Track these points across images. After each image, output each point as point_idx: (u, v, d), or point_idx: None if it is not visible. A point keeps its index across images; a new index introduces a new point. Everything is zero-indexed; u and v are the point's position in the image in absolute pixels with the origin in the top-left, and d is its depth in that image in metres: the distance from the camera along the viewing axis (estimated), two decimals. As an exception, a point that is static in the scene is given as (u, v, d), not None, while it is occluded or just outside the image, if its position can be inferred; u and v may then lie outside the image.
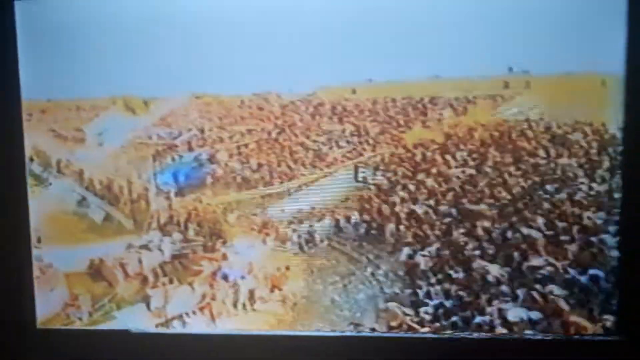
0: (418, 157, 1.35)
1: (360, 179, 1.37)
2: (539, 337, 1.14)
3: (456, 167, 1.33)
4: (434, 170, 1.35)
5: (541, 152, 1.26)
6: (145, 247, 1.37)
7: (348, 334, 1.24)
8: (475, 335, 1.17)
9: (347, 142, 1.39)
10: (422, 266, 1.30)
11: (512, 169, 1.27)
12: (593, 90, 1.25)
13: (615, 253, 1.19)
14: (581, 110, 1.22)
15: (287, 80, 1.37)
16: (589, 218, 1.30)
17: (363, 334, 1.25)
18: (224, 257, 1.38)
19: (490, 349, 1.16)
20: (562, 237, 1.29)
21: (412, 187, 1.36)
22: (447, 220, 1.33)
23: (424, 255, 1.37)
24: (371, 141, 1.37)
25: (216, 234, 1.38)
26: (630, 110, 1.09)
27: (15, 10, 1.28)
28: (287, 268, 1.36)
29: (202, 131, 1.47)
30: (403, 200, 1.36)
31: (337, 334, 1.25)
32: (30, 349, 1.22)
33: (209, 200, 1.40)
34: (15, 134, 1.30)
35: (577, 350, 1.12)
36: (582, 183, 1.30)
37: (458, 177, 1.33)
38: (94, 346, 1.23)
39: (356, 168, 1.38)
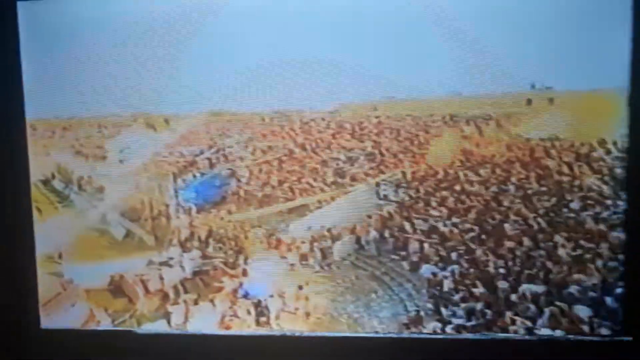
0: (440, 175, 1.33)
1: (381, 196, 1.36)
2: (545, 337, 1.14)
3: (479, 184, 1.31)
4: (457, 187, 1.32)
5: (565, 170, 1.24)
6: (166, 263, 1.37)
7: (349, 334, 1.25)
8: (478, 335, 1.17)
9: (368, 159, 1.37)
10: (446, 285, 1.28)
11: (535, 186, 1.25)
12: (616, 106, 1.24)
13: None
14: (604, 127, 1.20)
15: (308, 97, 1.37)
16: (614, 236, 1.28)
17: (364, 334, 1.26)
18: (245, 273, 1.36)
19: (487, 349, 1.16)
20: (587, 256, 1.27)
21: (434, 204, 1.34)
22: (470, 236, 1.30)
23: (446, 274, 1.35)
24: (392, 158, 1.36)
25: (237, 250, 1.37)
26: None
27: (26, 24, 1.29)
28: (308, 285, 1.34)
29: (223, 148, 1.47)
30: (425, 217, 1.34)
31: (339, 334, 1.26)
32: (33, 349, 1.22)
33: (230, 217, 1.38)
34: (20, 140, 1.32)
35: (582, 351, 1.12)
36: (607, 201, 1.28)
37: (480, 195, 1.29)
38: (98, 346, 1.23)
39: (377, 185, 1.37)
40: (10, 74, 1.28)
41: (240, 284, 1.37)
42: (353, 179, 1.39)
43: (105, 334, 1.24)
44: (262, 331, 1.25)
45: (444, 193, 1.34)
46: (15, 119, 1.30)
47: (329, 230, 1.38)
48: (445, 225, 1.33)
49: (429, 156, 1.33)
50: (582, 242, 1.25)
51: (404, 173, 1.40)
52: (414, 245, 1.36)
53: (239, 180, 1.44)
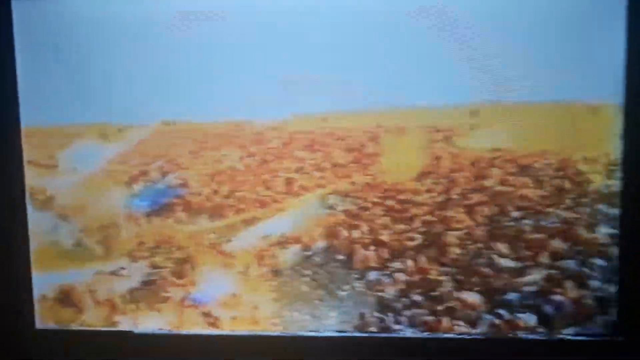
0: (387, 185, 1.33)
1: (329, 206, 1.36)
2: (538, 337, 1.14)
3: (425, 193, 1.31)
4: (402, 197, 1.32)
5: (510, 180, 1.27)
6: (115, 273, 1.36)
7: (342, 334, 1.27)
8: (473, 335, 1.18)
9: (318, 170, 1.37)
10: (390, 292, 1.29)
11: (479, 196, 1.27)
12: (565, 119, 1.27)
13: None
14: (552, 140, 1.23)
15: (260, 107, 1.35)
16: (555, 246, 1.31)
17: (356, 334, 1.28)
18: (193, 283, 1.36)
19: (487, 349, 1.17)
20: (528, 264, 1.30)
21: (380, 213, 1.34)
22: (415, 244, 1.30)
23: (390, 281, 1.36)
24: (342, 169, 1.36)
25: (186, 260, 1.37)
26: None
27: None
28: (256, 293, 1.35)
29: (174, 158, 1.47)
30: (371, 226, 1.33)
31: (331, 334, 1.28)
32: (28, 350, 1.22)
33: (180, 227, 1.39)
34: (15, 138, 1.31)
35: (576, 351, 1.13)
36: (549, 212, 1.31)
37: (426, 204, 1.29)
38: (94, 347, 1.23)
39: (325, 195, 1.36)
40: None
41: (189, 293, 1.37)
42: (303, 189, 1.36)
43: (102, 334, 1.24)
44: (260, 331, 1.26)
45: (390, 202, 1.31)
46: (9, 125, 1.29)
47: (277, 239, 1.37)
48: (390, 234, 1.28)
49: (377, 167, 1.30)
50: (522, 250, 1.23)
51: (352, 183, 1.38)
52: (360, 254, 1.32)
53: (189, 190, 1.44)
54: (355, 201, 1.36)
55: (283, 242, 1.37)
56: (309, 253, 1.36)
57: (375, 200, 1.35)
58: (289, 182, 1.38)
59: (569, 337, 1.14)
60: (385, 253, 1.33)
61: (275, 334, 1.25)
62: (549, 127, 1.20)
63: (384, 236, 1.33)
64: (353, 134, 1.38)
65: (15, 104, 1.29)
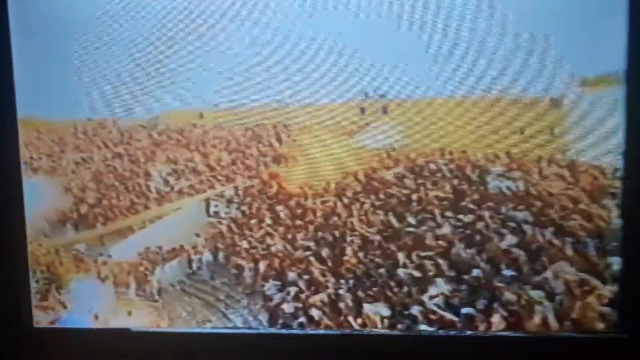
0: (274, 189, 1.25)
1: (212, 213, 1.28)
2: (542, 334, 1.12)
3: (315, 197, 1.24)
4: (291, 203, 1.25)
5: (404, 182, 1.14)
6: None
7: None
8: (478, 332, 1.14)
9: (196, 172, 1.29)
10: (286, 308, 1.24)
11: (372, 199, 1.14)
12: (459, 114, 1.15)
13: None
14: (442, 136, 1.17)
15: (126, 103, 1.27)
16: (454, 253, 1.21)
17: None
18: (64, 305, 1.18)
19: (493, 346, 1.14)
20: (430, 272, 1.20)
21: (269, 221, 1.26)
22: (307, 254, 1.24)
23: (285, 297, 1.24)
24: (224, 171, 1.28)
25: (52, 279, 1.18)
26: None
27: None
28: (131, 315, 1.19)
29: (31, 159, 1.26)
30: (261, 234, 1.26)
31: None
32: (27, 349, 1.19)
33: (42, 241, 1.29)
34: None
35: (580, 348, 1.11)
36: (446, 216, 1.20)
37: (317, 210, 1.24)
38: (93, 346, 1.19)
39: (208, 201, 1.28)
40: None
41: (59, 317, 1.19)
42: (180, 194, 1.29)
43: (101, 333, 1.21)
44: (261, 330, 1.20)
45: (279, 208, 1.25)
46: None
47: (156, 253, 1.29)
48: (281, 242, 1.25)
49: (262, 168, 1.26)
50: (422, 259, 1.21)
51: (236, 188, 1.28)
52: (249, 267, 1.26)
53: (49, 197, 1.24)
54: (241, 207, 1.28)
55: (160, 256, 1.29)
56: (190, 270, 1.29)
57: (263, 206, 1.27)
58: (164, 186, 1.32)
59: (567, 335, 1.12)
60: (277, 264, 1.25)
61: (272, 331, 1.20)
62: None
63: (276, 246, 1.24)
64: (236, 133, 1.29)
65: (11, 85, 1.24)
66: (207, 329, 1.21)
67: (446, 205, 1.21)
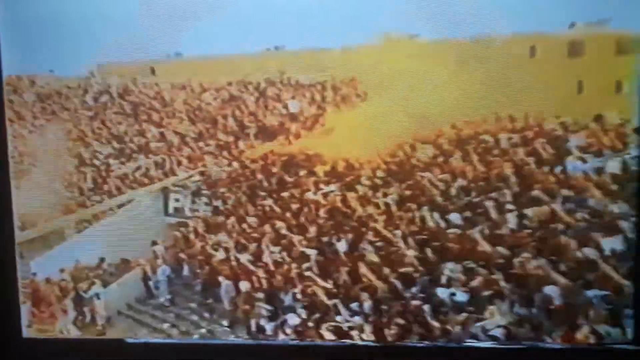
0: (260, 175, 0.99)
1: (172, 211, 1.02)
2: (558, 345, 1.00)
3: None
4: (285, 194, 0.98)
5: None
6: None
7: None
8: (495, 343, 1.00)
9: (149, 151, 1.01)
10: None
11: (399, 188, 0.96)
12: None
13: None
14: None
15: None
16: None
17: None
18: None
19: (509, 357, 1.01)
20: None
21: (254, 220, 0.99)
22: (307, 267, 0.98)
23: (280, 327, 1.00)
24: (187, 150, 1.00)
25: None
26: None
27: None
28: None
29: None
30: (242, 239, 1.00)
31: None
32: (15, 359, 1.15)
33: None
34: None
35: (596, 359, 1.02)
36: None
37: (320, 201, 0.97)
38: (86, 356, 1.12)
39: (166, 193, 1.01)
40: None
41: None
42: (126, 183, 1.03)
43: (94, 343, 1.12)
44: (256, 340, 1.05)
45: (268, 202, 0.99)
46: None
47: (95, 267, 1.03)
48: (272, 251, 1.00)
49: (242, 146, 0.99)
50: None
51: (204, 174, 1.00)
52: (226, 286, 1.01)
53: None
54: (213, 202, 1.01)
55: (102, 273, 1.04)
56: (144, 292, 1.05)
57: (244, 199, 1.00)
58: (100, 173, 1.03)
59: (588, 346, 0.99)
60: (265, 282, 0.99)
61: (271, 342, 1.04)
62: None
63: (264, 255, 0.99)
64: (204, 95, 0.99)
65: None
66: (204, 339, 1.07)
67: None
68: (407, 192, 0.94)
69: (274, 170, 0.97)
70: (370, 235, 0.96)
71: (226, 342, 1.06)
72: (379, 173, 0.95)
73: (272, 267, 0.99)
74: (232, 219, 0.99)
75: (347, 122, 0.95)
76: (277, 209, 0.98)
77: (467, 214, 0.94)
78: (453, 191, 0.94)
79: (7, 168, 1.04)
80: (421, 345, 1.02)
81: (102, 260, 1.02)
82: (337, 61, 0.94)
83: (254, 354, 1.06)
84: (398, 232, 0.95)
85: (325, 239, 0.97)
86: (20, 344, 1.14)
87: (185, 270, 1.01)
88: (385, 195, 0.95)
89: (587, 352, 1.01)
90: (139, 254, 1.02)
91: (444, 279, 0.94)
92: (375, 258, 0.96)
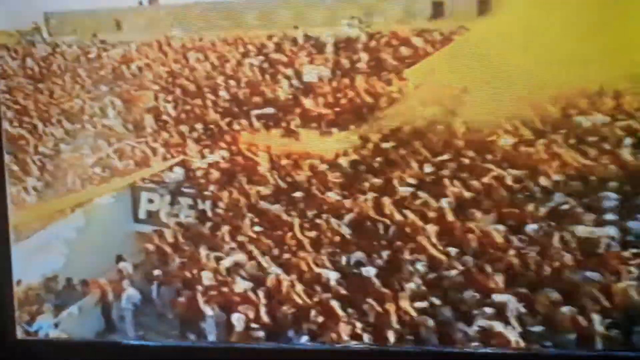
0: (264, 166, 0.79)
1: (144, 216, 0.83)
2: (567, 352, 0.91)
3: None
4: (297, 195, 0.80)
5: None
6: None
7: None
8: (509, 349, 0.91)
9: (114, 132, 0.82)
10: None
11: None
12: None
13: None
14: None
15: None
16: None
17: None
18: None
19: None
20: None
21: (252, 230, 0.81)
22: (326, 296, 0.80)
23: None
24: (167, 136, 0.81)
25: None
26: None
27: None
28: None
29: None
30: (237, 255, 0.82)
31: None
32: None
33: None
34: None
35: None
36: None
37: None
38: (79, 358, 1.02)
39: (136, 191, 0.82)
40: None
41: None
42: (85, 176, 0.84)
43: (89, 345, 1.02)
44: (255, 344, 0.94)
45: (274, 208, 0.80)
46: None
47: (42, 289, 0.87)
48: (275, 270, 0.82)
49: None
50: None
51: (187, 166, 0.82)
52: (215, 317, 0.84)
53: None
54: (198, 204, 0.82)
55: (52, 296, 0.89)
56: (104, 323, 0.89)
57: (242, 200, 0.81)
58: (46, 163, 0.87)
59: (600, 353, 0.89)
60: (264, 313, 0.82)
61: (271, 346, 0.93)
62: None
63: (267, 272, 0.81)
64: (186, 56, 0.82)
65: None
66: (199, 342, 0.98)
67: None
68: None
69: (282, 162, 0.78)
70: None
71: (224, 344, 0.97)
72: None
73: (276, 294, 0.79)
74: (225, 228, 0.81)
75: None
76: (286, 217, 0.77)
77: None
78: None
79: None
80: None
81: (51, 279, 0.85)
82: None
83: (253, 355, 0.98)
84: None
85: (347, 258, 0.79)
86: (14, 346, 1.08)
87: (159, 296, 0.83)
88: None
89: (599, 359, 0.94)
90: (99, 272, 0.84)
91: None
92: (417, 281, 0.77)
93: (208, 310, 0.81)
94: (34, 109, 0.82)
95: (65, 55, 0.81)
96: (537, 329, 0.83)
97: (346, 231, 0.79)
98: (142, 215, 0.81)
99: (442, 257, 0.77)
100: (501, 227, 0.78)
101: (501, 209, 0.77)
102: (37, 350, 1.07)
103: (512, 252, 0.79)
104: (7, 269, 1.02)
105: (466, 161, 0.78)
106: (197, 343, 0.99)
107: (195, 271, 0.82)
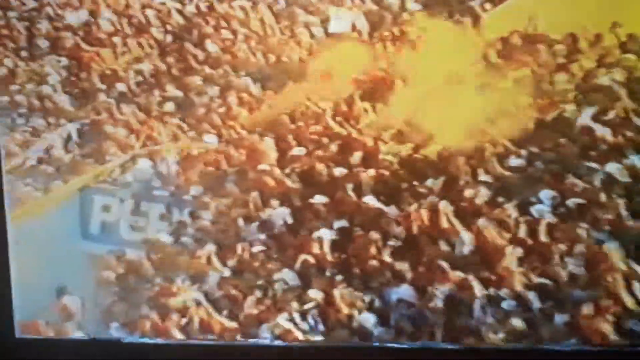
0: (272, 155, 0.61)
1: (96, 230, 0.65)
2: (567, 347, 0.83)
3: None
4: (322, 200, 0.62)
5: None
6: None
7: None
8: (504, 345, 0.84)
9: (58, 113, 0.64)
10: None
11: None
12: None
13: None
14: None
15: None
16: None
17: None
18: None
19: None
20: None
21: (259, 249, 0.65)
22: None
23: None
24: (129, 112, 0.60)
25: None
26: None
27: None
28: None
29: None
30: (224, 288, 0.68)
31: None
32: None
33: None
34: None
35: None
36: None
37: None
38: (81, 357, 0.95)
39: (85, 197, 0.64)
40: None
41: None
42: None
43: (89, 344, 0.93)
44: (256, 341, 0.87)
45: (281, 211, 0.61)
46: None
47: None
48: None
49: (236, 112, 0.65)
50: None
51: (164, 159, 0.62)
52: None
53: None
54: (174, 209, 0.64)
55: None
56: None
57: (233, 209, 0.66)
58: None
59: (596, 347, 0.82)
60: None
61: (274, 344, 0.87)
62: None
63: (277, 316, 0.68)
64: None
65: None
66: (202, 341, 0.90)
67: None
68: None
69: (293, 153, 0.60)
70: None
71: (223, 343, 0.92)
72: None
73: (287, 342, 0.67)
74: (209, 247, 0.62)
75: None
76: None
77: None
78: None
79: None
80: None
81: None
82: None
83: (253, 354, 0.94)
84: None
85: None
86: (14, 345, 0.99)
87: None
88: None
89: (595, 353, 0.89)
90: (33, 311, 0.69)
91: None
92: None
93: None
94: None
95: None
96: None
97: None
98: (93, 229, 0.60)
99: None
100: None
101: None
102: (37, 350, 1.01)
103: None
104: (5, 270, 0.93)
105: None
106: (200, 342, 0.93)
107: (167, 307, 0.63)
